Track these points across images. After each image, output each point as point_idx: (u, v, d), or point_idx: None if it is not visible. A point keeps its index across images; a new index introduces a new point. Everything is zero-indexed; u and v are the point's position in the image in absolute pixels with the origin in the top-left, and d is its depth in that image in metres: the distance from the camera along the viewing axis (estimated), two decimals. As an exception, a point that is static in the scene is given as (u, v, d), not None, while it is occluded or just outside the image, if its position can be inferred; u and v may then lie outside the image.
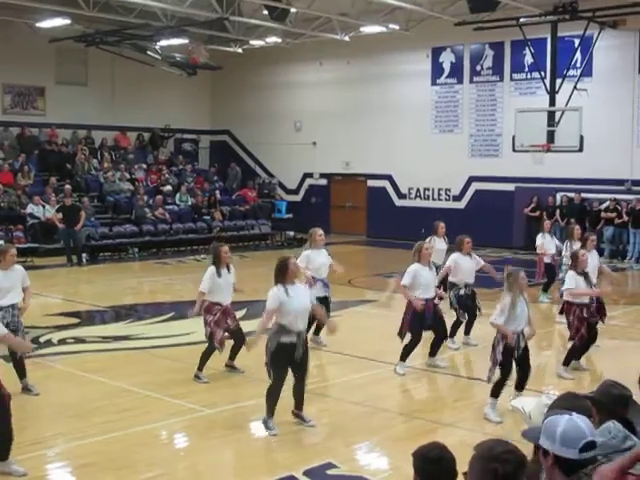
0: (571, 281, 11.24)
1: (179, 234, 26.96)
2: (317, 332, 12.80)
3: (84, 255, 23.30)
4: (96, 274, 21.79)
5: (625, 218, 23.96)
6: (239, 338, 10.92)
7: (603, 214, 24.24)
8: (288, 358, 8.65)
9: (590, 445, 3.45)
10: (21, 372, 10.11)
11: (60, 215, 23.36)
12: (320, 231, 12.86)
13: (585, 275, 11.32)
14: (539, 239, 16.97)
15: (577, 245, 16.43)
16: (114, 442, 8.50)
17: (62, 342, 13.19)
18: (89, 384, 10.80)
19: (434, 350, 11.73)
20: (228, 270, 11.00)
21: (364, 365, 11.97)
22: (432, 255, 11.76)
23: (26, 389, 10.12)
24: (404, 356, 11.33)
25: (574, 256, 11.52)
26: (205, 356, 10.99)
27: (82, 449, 8.34)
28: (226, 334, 10.93)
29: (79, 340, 13.40)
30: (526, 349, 9.55)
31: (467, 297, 12.82)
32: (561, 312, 12.33)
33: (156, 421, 9.23)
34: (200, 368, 10.94)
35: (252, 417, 9.49)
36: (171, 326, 14.70)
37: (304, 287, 9.35)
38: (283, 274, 8.74)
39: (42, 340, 13.15)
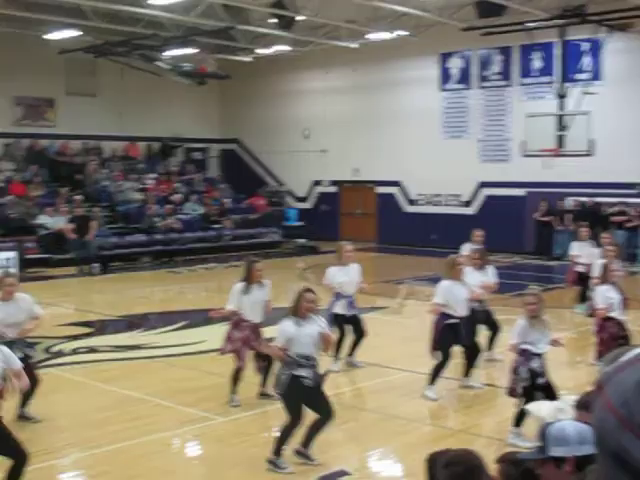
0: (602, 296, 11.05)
1: (189, 243, 26.98)
2: (351, 353, 12.27)
3: (96, 265, 23.35)
4: (108, 284, 21.80)
5: (635, 222, 23.88)
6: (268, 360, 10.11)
7: (613, 218, 24.15)
8: (302, 392, 8.11)
9: None
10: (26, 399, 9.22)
11: (72, 225, 23.48)
12: (348, 246, 12.21)
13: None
14: (574, 247, 16.61)
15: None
16: (126, 451, 8.50)
17: (74, 352, 13.22)
18: (101, 393, 10.81)
19: (466, 370, 11.07)
20: (259, 288, 10.29)
21: (376, 372, 11.95)
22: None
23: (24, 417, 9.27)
24: (433, 378, 10.55)
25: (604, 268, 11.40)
26: (235, 376, 10.24)
27: (94, 458, 8.35)
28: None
29: (91, 350, 13.42)
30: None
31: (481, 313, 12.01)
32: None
33: (169, 429, 9.23)
34: (233, 392, 10.23)
35: (265, 424, 9.48)
36: (183, 335, 14.70)
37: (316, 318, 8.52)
38: (295, 308, 8.32)
39: (54, 350, 13.18)
